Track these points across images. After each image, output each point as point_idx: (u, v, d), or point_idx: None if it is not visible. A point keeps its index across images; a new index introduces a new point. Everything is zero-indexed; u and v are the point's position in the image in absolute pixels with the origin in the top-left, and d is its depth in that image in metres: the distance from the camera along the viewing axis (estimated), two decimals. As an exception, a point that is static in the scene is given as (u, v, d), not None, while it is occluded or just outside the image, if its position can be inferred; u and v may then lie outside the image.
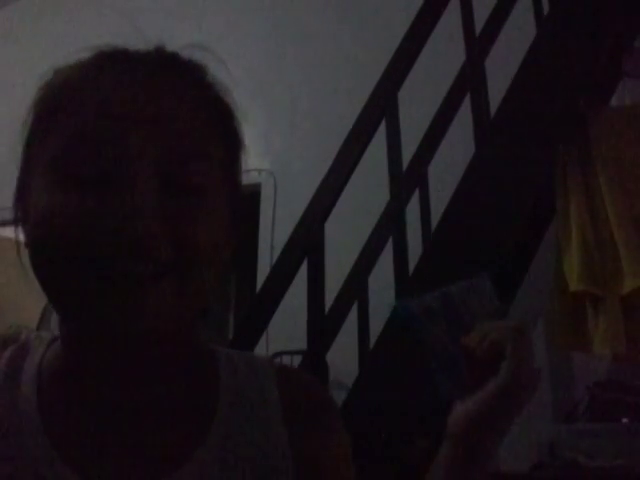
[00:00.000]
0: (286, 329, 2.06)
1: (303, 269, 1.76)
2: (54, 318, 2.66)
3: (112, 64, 0.53)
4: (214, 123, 0.55)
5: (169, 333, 0.52)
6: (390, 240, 1.91)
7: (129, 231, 0.47)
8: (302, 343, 1.75)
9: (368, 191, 2.39)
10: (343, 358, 1.88)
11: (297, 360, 2.18)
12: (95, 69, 0.53)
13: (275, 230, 2.92)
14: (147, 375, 0.56)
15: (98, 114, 0.50)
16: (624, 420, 1.80)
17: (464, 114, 2.06)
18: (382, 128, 1.92)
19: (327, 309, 1.82)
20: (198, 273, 0.51)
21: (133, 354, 0.54)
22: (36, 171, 0.52)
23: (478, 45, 2.08)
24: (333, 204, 1.84)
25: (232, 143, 0.58)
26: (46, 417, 0.53)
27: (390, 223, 1.95)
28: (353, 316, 1.95)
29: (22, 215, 0.54)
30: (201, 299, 0.53)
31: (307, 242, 1.79)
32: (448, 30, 2.05)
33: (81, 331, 0.54)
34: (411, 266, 1.84)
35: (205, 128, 0.53)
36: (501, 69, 2.05)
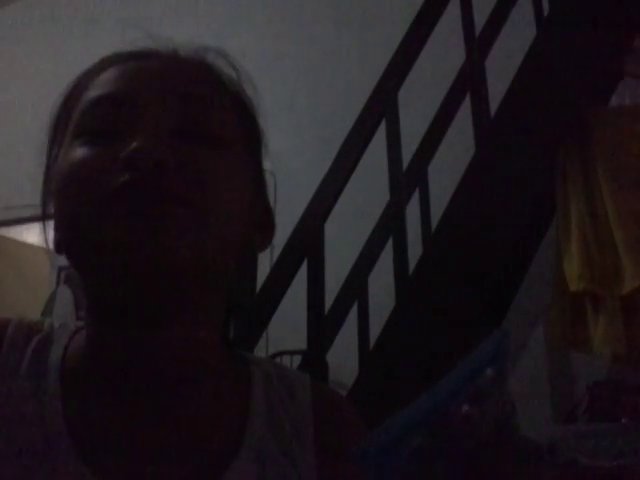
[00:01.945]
0: (286, 329, 2.06)
1: (303, 269, 1.76)
2: (54, 318, 2.66)
3: (132, 58, 0.57)
4: (230, 103, 0.58)
5: (193, 280, 0.51)
6: (390, 240, 1.91)
7: (140, 163, 0.49)
8: (302, 343, 1.75)
9: (368, 191, 2.39)
10: (343, 358, 1.87)
11: (297, 360, 2.17)
12: (115, 60, 0.57)
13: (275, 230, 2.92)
14: (172, 370, 0.54)
15: (114, 80, 0.55)
16: (624, 420, 1.80)
17: (464, 114, 2.06)
18: (382, 128, 1.92)
19: (327, 309, 1.82)
20: (213, 216, 0.51)
21: (161, 326, 0.53)
22: (60, 151, 0.56)
23: (478, 45, 2.08)
24: (333, 204, 1.84)
25: (251, 126, 0.60)
26: (69, 410, 0.52)
27: (390, 223, 1.95)
28: (353, 316, 1.95)
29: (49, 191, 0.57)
30: (220, 252, 0.53)
31: (307, 242, 1.79)
32: (448, 30, 2.05)
33: (105, 285, 0.52)
34: (411, 266, 1.84)
35: (220, 100, 0.57)
36: (501, 69, 2.05)
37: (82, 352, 0.56)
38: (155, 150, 0.50)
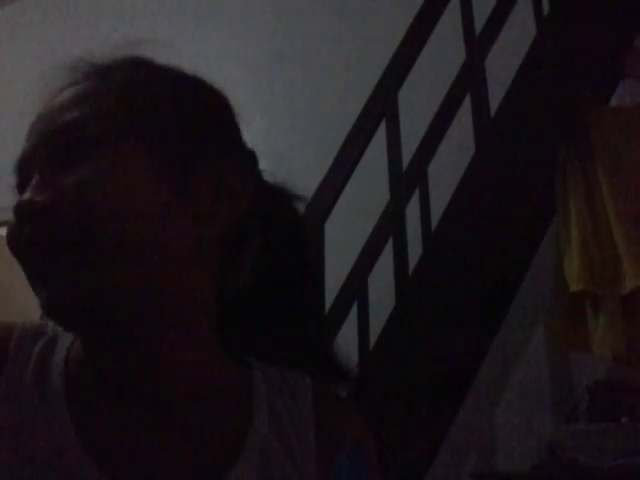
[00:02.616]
0: (286, 329, 2.05)
1: (303, 269, 1.76)
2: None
3: (55, 87, 0.58)
4: (119, 95, 0.55)
5: (132, 308, 0.52)
6: (390, 240, 1.91)
7: (19, 218, 0.51)
8: (302, 343, 1.75)
9: (368, 191, 2.38)
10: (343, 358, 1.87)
11: (297, 360, 2.17)
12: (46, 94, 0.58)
13: (275, 230, 2.91)
14: (169, 378, 0.55)
15: (29, 132, 0.57)
16: (624, 420, 1.80)
17: (464, 114, 2.06)
18: (382, 128, 1.92)
19: (327, 309, 1.82)
20: (111, 237, 0.50)
21: (135, 343, 0.54)
22: None
23: (478, 45, 2.08)
24: (333, 204, 1.84)
25: (150, 113, 0.55)
26: (74, 413, 0.52)
27: (390, 223, 1.95)
28: (353, 316, 1.95)
29: None
30: (149, 272, 0.51)
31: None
32: (448, 30, 2.05)
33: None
34: (411, 266, 1.84)
35: (94, 100, 0.55)
36: (501, 69, 2.05)
37: (82, 357, 0.56)
38: (28, 200, 0.51)
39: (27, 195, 0.52)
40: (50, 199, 0.51)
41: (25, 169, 0.55)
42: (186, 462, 0.53)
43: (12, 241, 0.52)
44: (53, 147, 0.53)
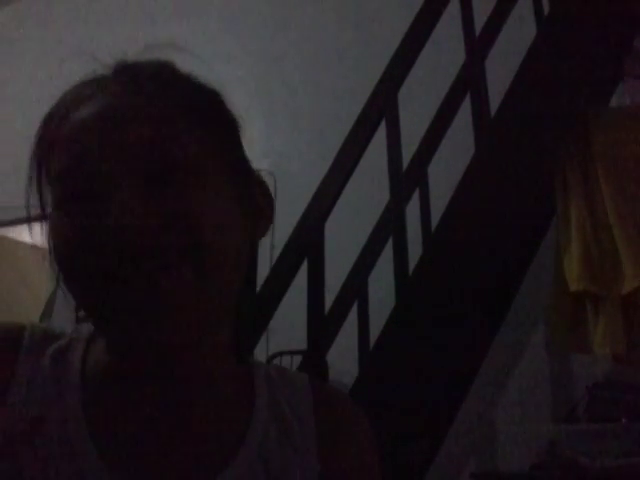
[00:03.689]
0: (286, 329, 2.05)
1: (303, 269, 1.76)
2: (54, 318, 2.66)
3: (84, 95, 0.55)
4: (185, 111, 0.54)
5: (199, 333, 0.52)
6: (390, 240, 1.91)
7: (120, 235, 0.48)
8: (302, 343, 1.75)
9: (368, 191, 2.39)
10: (343, 358, 1.87)
11: (297, 360, 2.17)
12: (72, 102, 0.55)
13: (275, 230, 2.92)
14: (186, 380, 0.56)
15: (77, 142, 0.52)
16: (624, 420, 1.80)
17: (464, 114, 2.06)
18: (382, 128, 1.92)
19: (327, 309, 1.82)
20: (207, 255, 0.50)
21: (172, 358, 0.54)
22: (49, 204, 0.55)
23: (478, 45, 2.08)
24: (333, 204, 1.84)
25: (216, 124, 0.57)
26: (90, 416, 0.54)
27: (390, 223, 1.95)
28: (353, 316, 1.95)
29: (45, 222, 0.56)
30: (221, 290, 0.53)
31: (307, 242, 1.79)
32: (448, 30, 2.05)
33: (114, 343, 0.55)
34: (411, 266, 1.84)
35: (174, 117, 0.53)
36: (501, 69, 2.05)
37: (101, 357, 0.57)
38: (133, 216, 0.48)
39: (121, 216, 0.48)
40: (162, 228, 0.49)
41: (91, 180, 0.51)
42: (192, 456, 0.55)
43: (102, 260, 0.49)
44: (142, 166, 0.50)
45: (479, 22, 2.10)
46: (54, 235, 0.52)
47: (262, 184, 0.62)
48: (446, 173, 2.04)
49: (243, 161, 0.59)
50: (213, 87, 0.59)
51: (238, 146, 0.59)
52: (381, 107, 1.92)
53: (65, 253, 0.51)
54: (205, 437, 0.56)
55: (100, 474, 0.51)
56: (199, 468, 0.54)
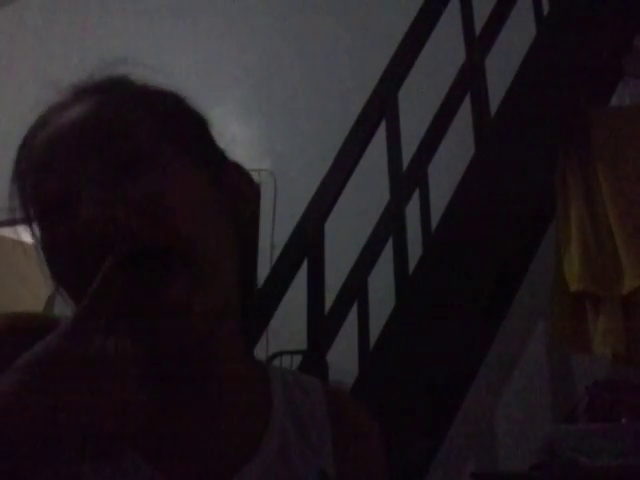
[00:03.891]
0: (286, 329, 2.06)
1: (303, 269, 1.76)
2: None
3: (48, 119, 0.58)
4: (143, 108, 0.57)
5: (204, 325, 0.53)
6: (390, 240, 1.91)
7: (94, 225, 0.50)
8: (302, 343, 1.75)
9: (368, 191, 2.39)
10: (343, 358, 1.88)
11: (297, 360, 2.17)
12: (38, 128, 0.59)
13: (275, 230, 2.92)
14: (201, 380, 0.58)
15: (47, 152, 0.55)
16: (624, 420, 1.80)
17: (464, 114, 2.06)
18: (382, 128, 1.92)
19: (327, 309, 1.82)
20: (183, 232, 0.52)
21: (184, 358, 0.55)
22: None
23: (478, 45, 2.08)
24: (333, 204, 1.84)
25: (175, 117, 0.59)
26: None
27: (390, 223, 1.95)
28: (353, 316, 1.95)
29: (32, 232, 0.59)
30: (214, 271, 0.54)
31: (307, 242, 1.79)
32: (448, 30, 2.05)
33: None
34: (411, 266, 1.84)
35: (133, 115, 0.56)
36: (501, 69, 2.05)
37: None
38: (108, 215, 0.50)
39: (92, 210, 0.50)
40: (132, 212, 0.51)
41: (59, 181, 0.53)
42: (208, 453, 0.56)
43: (92, 256, 0.50)
44: (105, 163, 0.53)
45: (479, 22, 2.10)
46: (44, 250, 0.55)
47: (241, 169, 0.64)
48: (446, 173, 2.04)
49: (212, 149, 0.62)
50: (172, 90, 0.61)
51: (203, 136, 0.61)
52: (381, 107, 1.92)
53: (56, 262, 0.54)
54: (224, 436, 0.57)
55: (136, 466, 0.52)
56: (217, 466, 0.56)
